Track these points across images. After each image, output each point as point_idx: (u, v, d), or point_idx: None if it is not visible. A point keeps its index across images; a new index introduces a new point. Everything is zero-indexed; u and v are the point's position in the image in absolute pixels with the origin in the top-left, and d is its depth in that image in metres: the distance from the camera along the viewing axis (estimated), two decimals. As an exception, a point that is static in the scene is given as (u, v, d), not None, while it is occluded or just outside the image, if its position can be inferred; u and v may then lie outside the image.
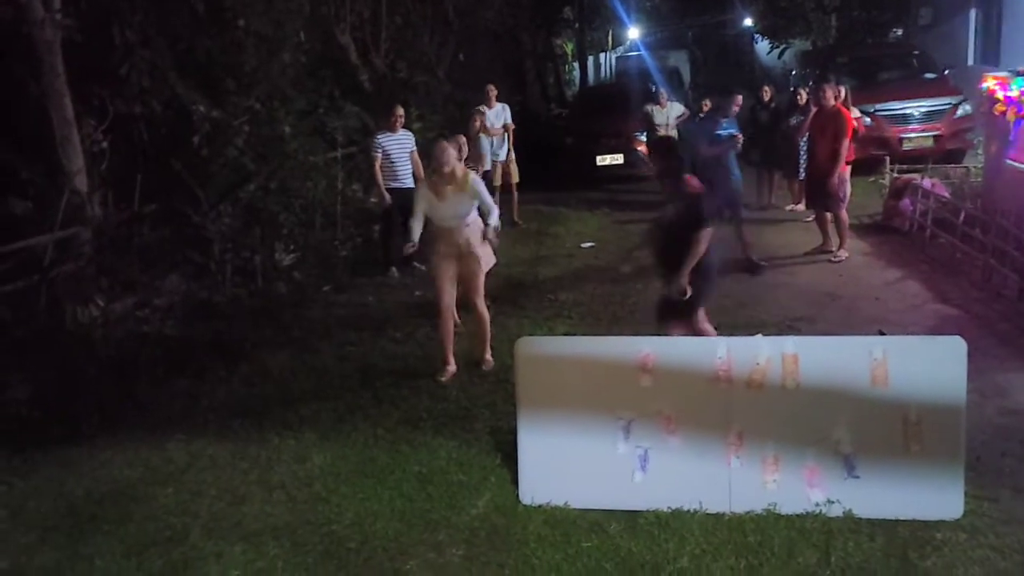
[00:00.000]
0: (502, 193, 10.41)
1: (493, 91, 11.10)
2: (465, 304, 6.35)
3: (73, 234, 6.75)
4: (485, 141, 10.56)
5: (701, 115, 11.07)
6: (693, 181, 5.58)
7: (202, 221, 7.51)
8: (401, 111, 9.07)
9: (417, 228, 5.98)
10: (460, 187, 5.93)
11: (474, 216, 6.09)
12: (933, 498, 3.90)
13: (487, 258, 6.20)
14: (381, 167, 8.88)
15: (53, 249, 6.59)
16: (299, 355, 6.80)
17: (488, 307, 6.26)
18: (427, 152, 9.68)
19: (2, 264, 6.14)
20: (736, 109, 11.74)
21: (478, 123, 10.29)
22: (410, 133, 9.21)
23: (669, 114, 12.34)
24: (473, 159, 8.88)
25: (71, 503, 4.57)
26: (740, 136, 9.20)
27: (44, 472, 4.97)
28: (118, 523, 4.33)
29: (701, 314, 5.54)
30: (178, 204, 7.55)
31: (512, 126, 11.22)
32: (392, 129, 8.93)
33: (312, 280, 8.58)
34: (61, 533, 4.28)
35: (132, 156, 7.70)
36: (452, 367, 6.07)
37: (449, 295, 6.11)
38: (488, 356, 6.17)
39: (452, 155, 5.92)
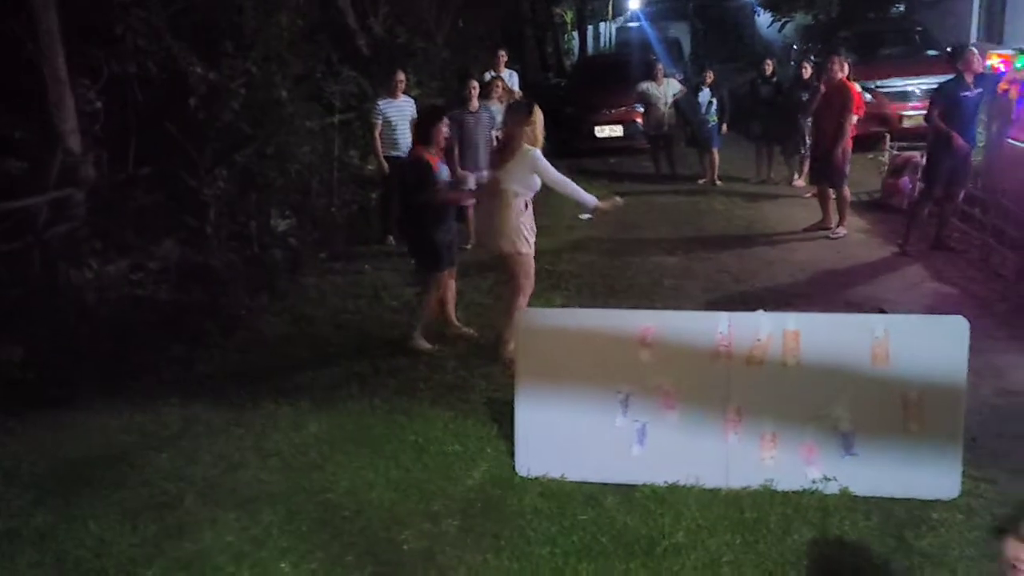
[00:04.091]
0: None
1: (503, 56, 10.93)
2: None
3: (67, 195, 6.66)
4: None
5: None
6: (429, 150, 5.79)
7: (197, 185, 7.43)
8: (403, 77, 8.97)
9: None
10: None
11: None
12: (930, 478, 3.91)
13: None
14: (380, 134, 8.79)
15: (47, 210, 6.52)
16: (295, 322, 6.78)
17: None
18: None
19: (-3, 224, 6.07)
20: (709, 80, 11.69)
21: (500, 88, 9.89)
22: (411, 100, 9.10)
23: (666, 91, 12.16)
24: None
25: (65, 466, 4.55)
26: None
27: (38, 434, 4.95)
28: (112, 487, 4.32)
29: (440, 280, 5.93)
30: (173, 167, 7.46)
31: (519, 94, 11.07)
32: (393, 95, 8.83)
33: (308, 247, 8.52)
34: (55, 495, 4.26)
35: (127, 118, 7.58)
36: None
37: None
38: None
39: None
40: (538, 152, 5.51)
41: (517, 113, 5.75)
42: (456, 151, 8.77)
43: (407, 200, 5.79)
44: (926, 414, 3.90)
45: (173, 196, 7.48)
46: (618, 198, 6.03)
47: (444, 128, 5.98)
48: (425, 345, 5.98)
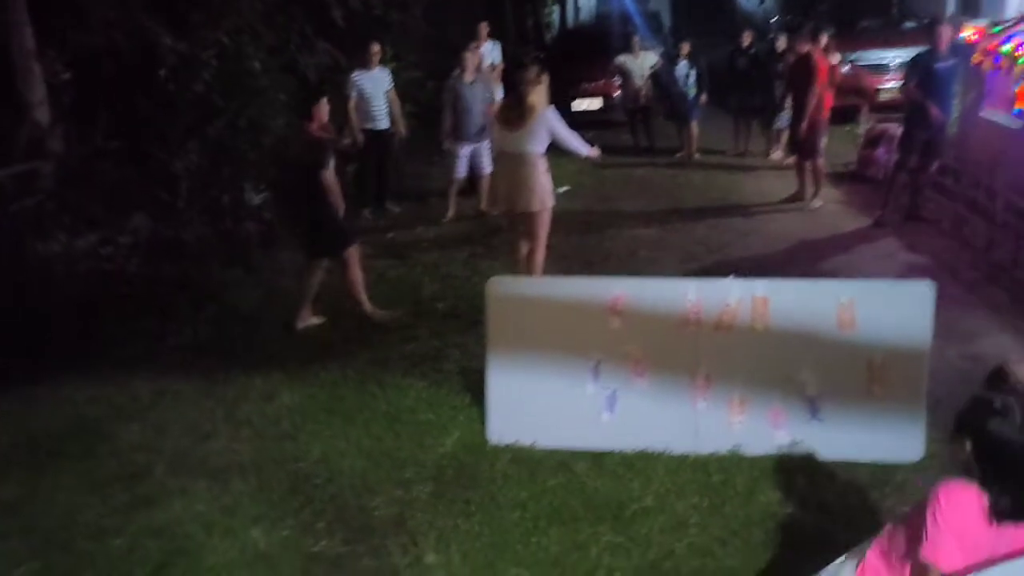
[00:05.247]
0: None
1: (485, 28, 10.82)
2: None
3: (34, 168, 6.57)
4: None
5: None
6: (313, 128, 5.80)
7: (168, 158, 7.34)
8: (377, 48, 8.86)
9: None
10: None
11: None
12: (894, 440, 3.95)
13: None
14: (356, 106, 8.70)
15: (14, 183, 6.43)
16: (269, 296, 6.73)
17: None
18: (403, 92, 9.52)
19: (-39, 197, 5.99)
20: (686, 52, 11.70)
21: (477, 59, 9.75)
22: (387, 71, 9.01)
23: (643, 63, 12.13)
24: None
25: (33, 439, 4.52)
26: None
27: (5, 408, 4.91)
28: (81, 459, 4.29)
29: (355, 252, 5.96)
30: (143, 140, 7.36)
31: (501, 65, 10.97)
32: (367, 67, 8.73)
33: (282, 220, 8.44)
34: (22, 468, 4.24)
35: (95, 90, 7.46)
36: None
37: None
38: None
39: None
40: (553, 111, 5.79)
41: (530, 73, 5.82)
42: (448, 122, 8.69)
43: (308, 181, 5.71)
44: (891, 378, 3.94)
45: (144, 169, 7.38)
46: (597, 149, 6.25)
47: (325, 107, 5.95)
48: (381, 313, 6.06)
